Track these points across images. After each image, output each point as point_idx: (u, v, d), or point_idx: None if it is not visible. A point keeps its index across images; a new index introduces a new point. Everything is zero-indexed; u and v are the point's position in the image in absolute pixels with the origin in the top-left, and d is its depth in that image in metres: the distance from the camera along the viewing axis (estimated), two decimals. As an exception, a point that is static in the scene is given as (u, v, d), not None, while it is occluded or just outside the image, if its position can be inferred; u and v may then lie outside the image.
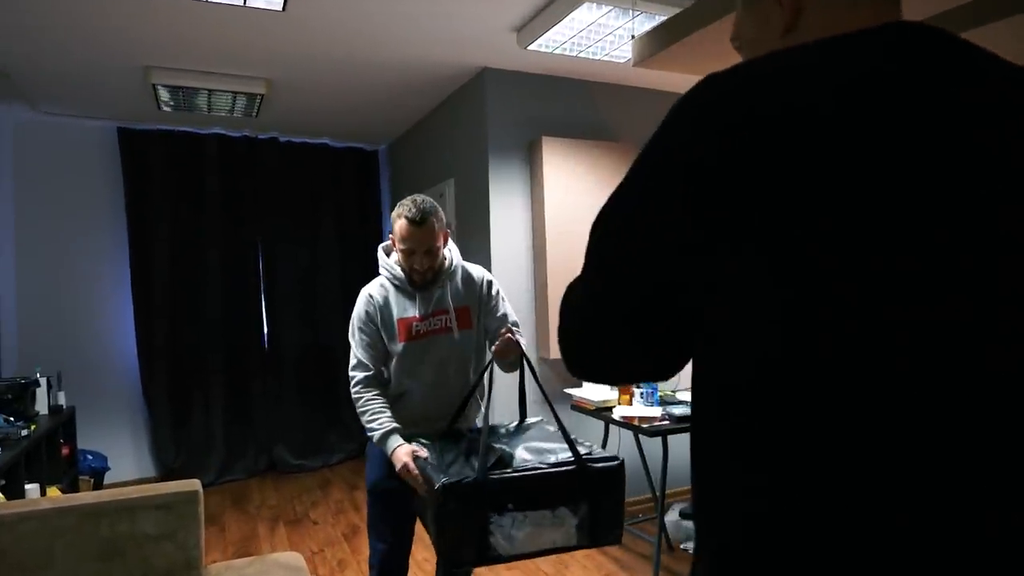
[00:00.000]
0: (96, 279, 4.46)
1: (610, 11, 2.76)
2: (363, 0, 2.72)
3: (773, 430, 0.58)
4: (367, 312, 1.97)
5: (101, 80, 3.56)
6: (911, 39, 0.61)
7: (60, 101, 3.94)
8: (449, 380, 2.02)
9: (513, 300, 2.65)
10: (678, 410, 2.90)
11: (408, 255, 1.92)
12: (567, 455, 1.68)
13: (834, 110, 0.56)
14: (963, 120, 0.58)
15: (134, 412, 4.54)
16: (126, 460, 4.48)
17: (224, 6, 2.69)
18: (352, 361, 1.99)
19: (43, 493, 3.00)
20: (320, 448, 4.97)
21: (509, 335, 1.87)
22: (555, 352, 3.47)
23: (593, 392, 3.18)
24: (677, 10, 2.38)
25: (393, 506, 2.03)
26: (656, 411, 2.93)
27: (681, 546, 3.27)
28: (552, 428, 1.86)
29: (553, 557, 3.23)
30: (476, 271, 2.11)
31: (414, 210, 1.88)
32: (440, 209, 1.96)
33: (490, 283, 2.09)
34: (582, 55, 3.28)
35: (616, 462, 1.70)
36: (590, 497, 1.62)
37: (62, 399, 3.60)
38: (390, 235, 2.01)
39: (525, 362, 1.91)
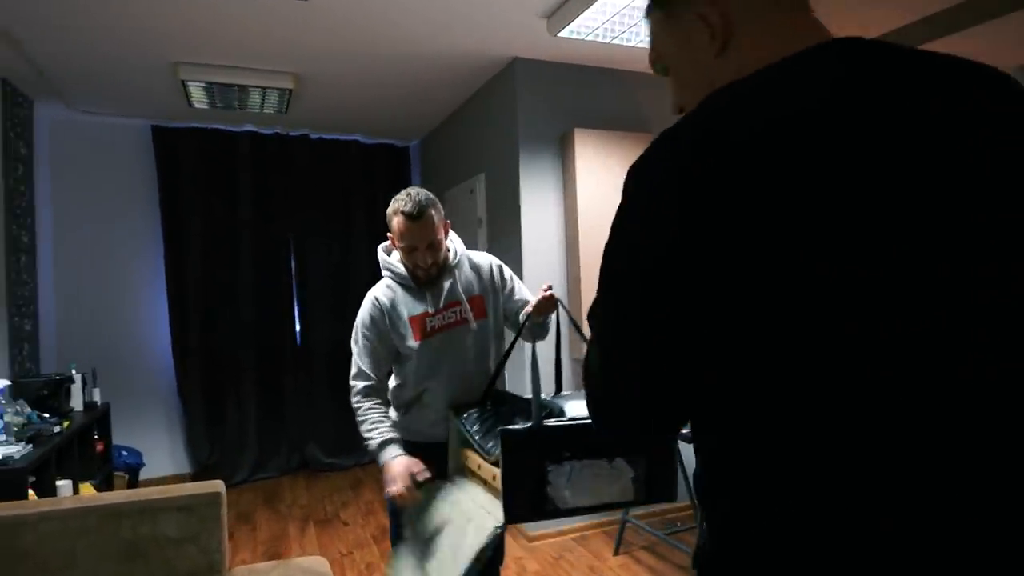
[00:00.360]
0: (131, 277, 4.51)
1: (645, -7, 2.62)
2: (388, -12, 2.64)
3: (771, 436, 0.60)
4: (372, 317, 1.87)
5: (132, 78, 3.58)
6: (867, 55, 0.63)
7: (94, 99, 3.98)
8: (470, 375, 1.92)
9: (544, 297, 2.53)
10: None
11: (410, 252, 1.83)
12: None
13: (809, 134, 0.57)
14: (932, 131, 0.59)
15: (169, 408, 4.58)
16: (161, 456, 4.51)
17: (248, -2, 2.65)
18: (352, 370, 1.90)
19: (75, 489, 3.01)
20: (352, 447, 4.93)
21: (550, 292, 1.77)
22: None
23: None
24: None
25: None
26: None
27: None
28: None
29: (586, 565, 3.12)
30: (482, 259, 2.02)
31: (410, 204, 1.78)
32: (437, 200, 1.87)
33: (500, 268, 2.01)
34: (616, 41, 3.15)
35: None
36: (646, 450, 1.52)
37: (97, 395, 3.63)
38: (388, 235, 1.92)
39: (561, 307, 1.81)
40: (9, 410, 2.70)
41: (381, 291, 1.90)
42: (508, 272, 2.03)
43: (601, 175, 3.45)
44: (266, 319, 4.76)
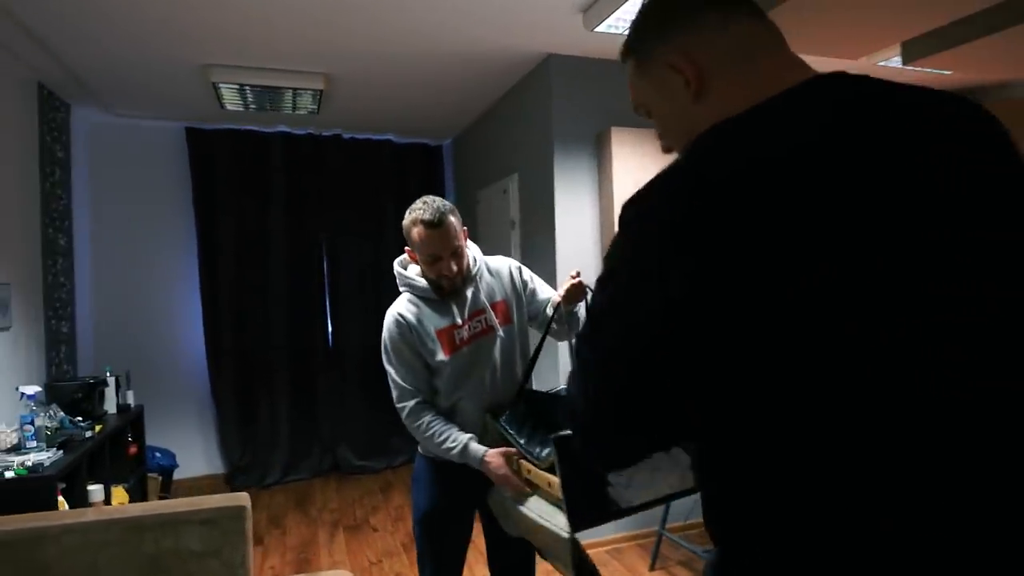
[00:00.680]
0: (166, 278, 4.54)
1: (688, -17, 2.47)
2: (418, -16, 2.55)
3: (779, 445, 0.62)
4: (400, 334, 1.78)
5: (165, 81, 3.58)
6: (846, 90, 0.67)
7: (130, 103, 4.00)
8: (499, 382, 1.84)
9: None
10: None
11: (433, 263, 1.74)
12: None
13: (797, 171, 0.61)
14: (912, 164, 0.62)
15: (202, 409, 4.60)
16: (195, 457, 4.54)
17: (276, -3, 2.59)
18: (395, 392, 1.81)
19: (107, 493, 3.02)
20: (383, 449, 4.90)
21: (579, 279, 1.71)
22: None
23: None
24: (767, -24, 2.10)
25: (447, 537, 1.87)
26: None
27: None
28: None
29: (621, 585, 2.99)
30: (500, 263, 1.93)
31: (429, 212, 1.69)
32: (454, 207, 1.78)
33: (519, 269, 1.94)
34: (655, 36, 3.00)
35: None
36: None
37: (131, 398, 3.64)
38: (406, 248, 1.84)
39: (591, 293, 1.74)
40: (42, 414, 2.70)
41: (403, 307, 1.81)
42: (527, 272, 1.96)
43: (638, 175, 3.31)
44: (298, 320, 4.75)
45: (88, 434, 2.88)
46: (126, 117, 4.28)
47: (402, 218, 1.80)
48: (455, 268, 1.73)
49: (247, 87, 3.54)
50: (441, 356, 1.77)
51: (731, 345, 0.60)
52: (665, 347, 0.63)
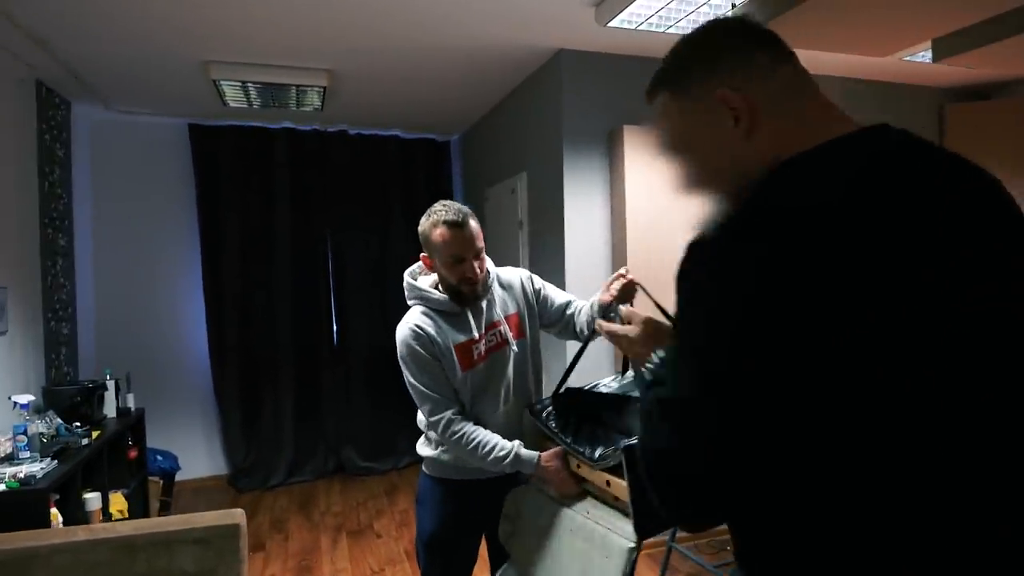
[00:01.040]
0: (170, 277, 4.47)
1: (706, -23, 2.35)
2: (422, -22, 2.44)
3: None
4: (422, 347, 1.68)
5: (165, 78, 3.49)
6: (898, 143, 0.71)
7: (131, 100, 3.92)
8: (513, 398, 1.78)
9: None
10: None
11: (455, 265, 1.66)
12: None
13: (868, 215, 0.64)
14: (957, 214, 0.67)
15: (206, 410, 4.55)
16: (198, 459, 4.49)
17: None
18: (426, 406, 1.70)
19: (105, 500, 2.96)
20: (390, 450, 4.83)
21: (631, 276, 1.66)
22: (635, 367, 3.11)
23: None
24: (791, -30, 1.98)
25: (453, 563, 1.79)
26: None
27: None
28: None
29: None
30: (511, 274, 1.87)
31: (451, 213, 1.66)
32: (472, 212, 1.73)
33: (531, 278, 1.90)
34: (671, 31, 2.88)
35: None
36: None
37: (131, 401, 3.58)
38: (422, 256, 1.75)
39: (642, 290, 1.67)
40: (37, 421, 2.64)
41: (418, 319, 1.71)
42: (538, 279, 1.92)
43: (652, 176, 3.19)
44: (303, 317, 4.68)
45: (84, 441, 2.81)
46: (128, 114, 4.20)
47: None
48: (478, 271, 1.68)
49: (250, 84, 3.45)
50: (458, 371, 1.70)
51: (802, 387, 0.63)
52: (758, 388, 0.63)
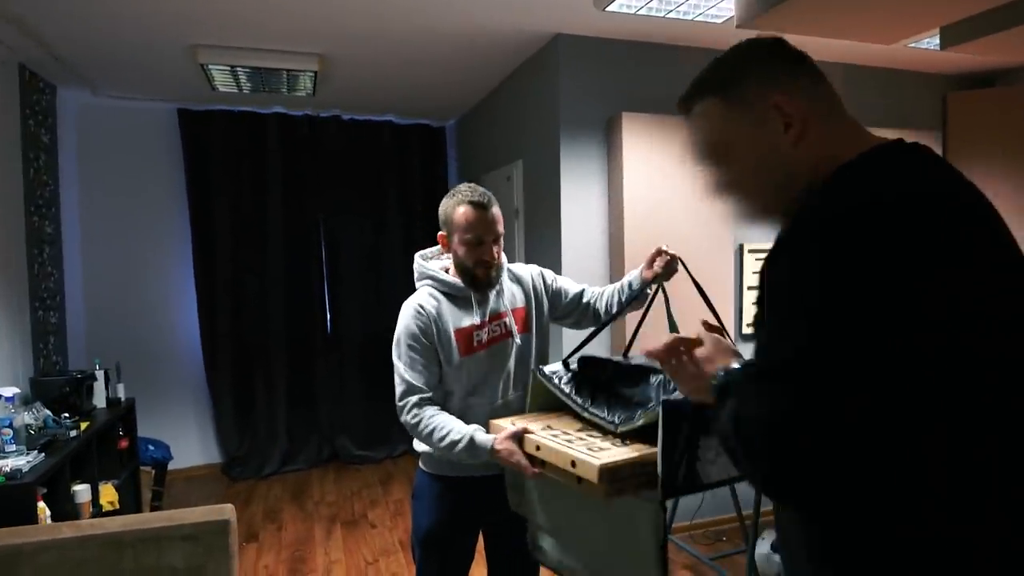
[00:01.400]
0: (160, 264, 4.41)
1: (708, -40, 2.29)
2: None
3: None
4: (419, 327, 1.66)
5: (153, 62, 3.40)
6: (931, 154, 0.79)
7: (118, 84, 3.83)
8: (513, 391, 1.76)
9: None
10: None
11: (474, 246, 1.66)
12: None
13: (939, 210, 0.71)
14: (987, 217, 0.75)
15: (198, 399, 4.51)
16: (190, 448, 4.46)
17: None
18: (400, 387, 1.67)
19: (95, 491, 2.93)
20: (384, 439, 4.81)
21: (671, 253, 1.71)
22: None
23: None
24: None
25: (449, 560, 1.76)
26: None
27: (774, 585, 2.87)
28: None
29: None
30: (523, 269, 1.87)
31: (476, 195, 1.66)
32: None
33: (542, 274, 1.89)
34: (671, 15, 2.81)
35: None
36: None
37: (121, 391, 3.54)
38: (439, 235, 1.74)
39: (683, 266, 1.72)
40: (24, 413, 2.60)
41: (424, 299, 1.70)
42: (550, 274, 1.91)
43: (651, 164, 3.14)
44: (296, 304, 4.63)
45: (73, 433, 2.77)
46: (115, 99, 4.11)
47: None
48: (496, 254, 1.68)
49: (239, 68, 3.37)
50: (456, 357, 1.68)
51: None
52: (869, 372, 0.65)
